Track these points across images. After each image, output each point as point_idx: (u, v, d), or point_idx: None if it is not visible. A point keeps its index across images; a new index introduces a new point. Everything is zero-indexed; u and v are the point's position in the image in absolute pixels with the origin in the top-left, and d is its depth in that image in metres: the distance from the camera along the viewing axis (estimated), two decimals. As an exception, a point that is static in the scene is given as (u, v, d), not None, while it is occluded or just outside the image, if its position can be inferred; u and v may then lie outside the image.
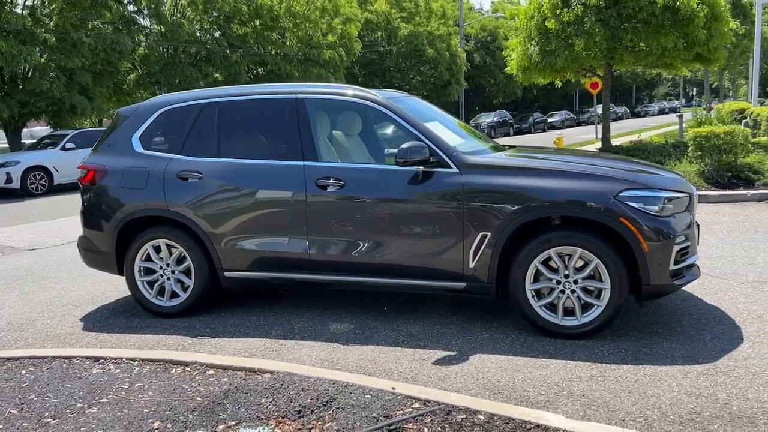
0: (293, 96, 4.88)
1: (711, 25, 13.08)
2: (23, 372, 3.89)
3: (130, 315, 5.23)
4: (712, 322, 4.39)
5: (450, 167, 4.36)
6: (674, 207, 4.15)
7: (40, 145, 18.85)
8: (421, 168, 4.37)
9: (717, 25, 13.17)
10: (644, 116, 59.96)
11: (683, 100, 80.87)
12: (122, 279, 5.31)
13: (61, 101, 19.75)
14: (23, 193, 16.62)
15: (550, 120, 46.29)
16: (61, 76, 19.62)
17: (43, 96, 19.37)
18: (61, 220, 11.31)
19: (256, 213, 4.74)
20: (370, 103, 4.75)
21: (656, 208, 4.05)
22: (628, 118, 54.12)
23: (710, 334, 4.17)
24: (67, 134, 18.10)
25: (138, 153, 5.12)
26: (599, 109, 34.06)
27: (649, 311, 4.66)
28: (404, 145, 4.33)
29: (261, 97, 5.01)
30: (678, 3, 12.60)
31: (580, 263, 4.14)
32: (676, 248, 4.07)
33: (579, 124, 47.85)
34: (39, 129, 35.20)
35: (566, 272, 4.15)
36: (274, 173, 4.74)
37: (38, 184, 16.93)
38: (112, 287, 6.10)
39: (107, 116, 28.84)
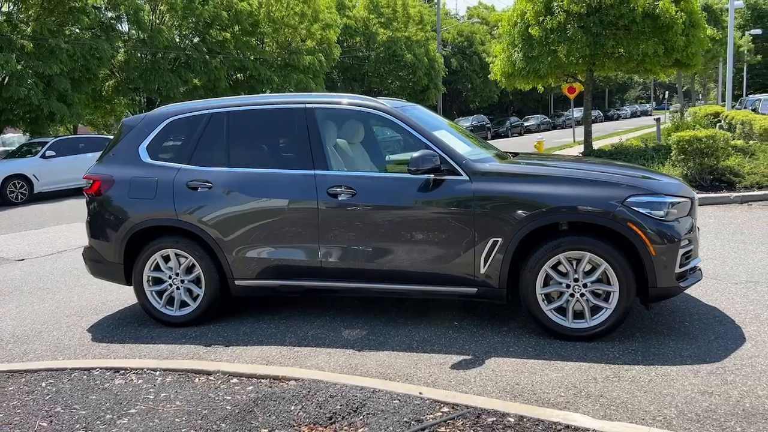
0: (302, 105, 4.93)
1: (689, 31, 13.45)
2: (43, 384, 3.87)
3: (137, 325, 5.22)
4: (713, 323, 4.54)
5: (460, 175, 4.45)
6: (678, 212, 4.31)
7: (19, 153, 18.54)
8: (431, 176, 4.46)
9: (695, 32, 13.55)
10: (617, 119, 61.14)
11: (654, 103, 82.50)
12: (123, 288, 5.31)
13: (39, 108, 19.49)
14: (2, 202, 16.35)
15: (526, 124, 46.91)
16: (39, 82, 19.38)
17: (20, 103, 19.10)
18: (47, 230, 11.16)
19: (268, 221, 4.78)
20: (378, 113, 4.83)
21: (661, 213, 4.20)
22: (601, 121, 55.02)
23: (713, 334, 4.32)
24: (47, 142, 17.82)
25: (145, 163, 5.12)
26: (576, 113, 34.70)
27: (652, 313, 4.80)
28: (416, 154, 4.41)
29: (270, 107, 5.06)
30: (657, 10, 12.94)
31: (588, 267, 4.26)
32: (681, 251, 4.23)
33: (555, 127, 48.57)
34: (9, 136, 34.56)
35: (575, 276, 4.27)
36: (285, 182, 4.79)
37: (18, 193, 16.66)
38: (114, 297, 6.07)
39: (84, 123, 28.47)
